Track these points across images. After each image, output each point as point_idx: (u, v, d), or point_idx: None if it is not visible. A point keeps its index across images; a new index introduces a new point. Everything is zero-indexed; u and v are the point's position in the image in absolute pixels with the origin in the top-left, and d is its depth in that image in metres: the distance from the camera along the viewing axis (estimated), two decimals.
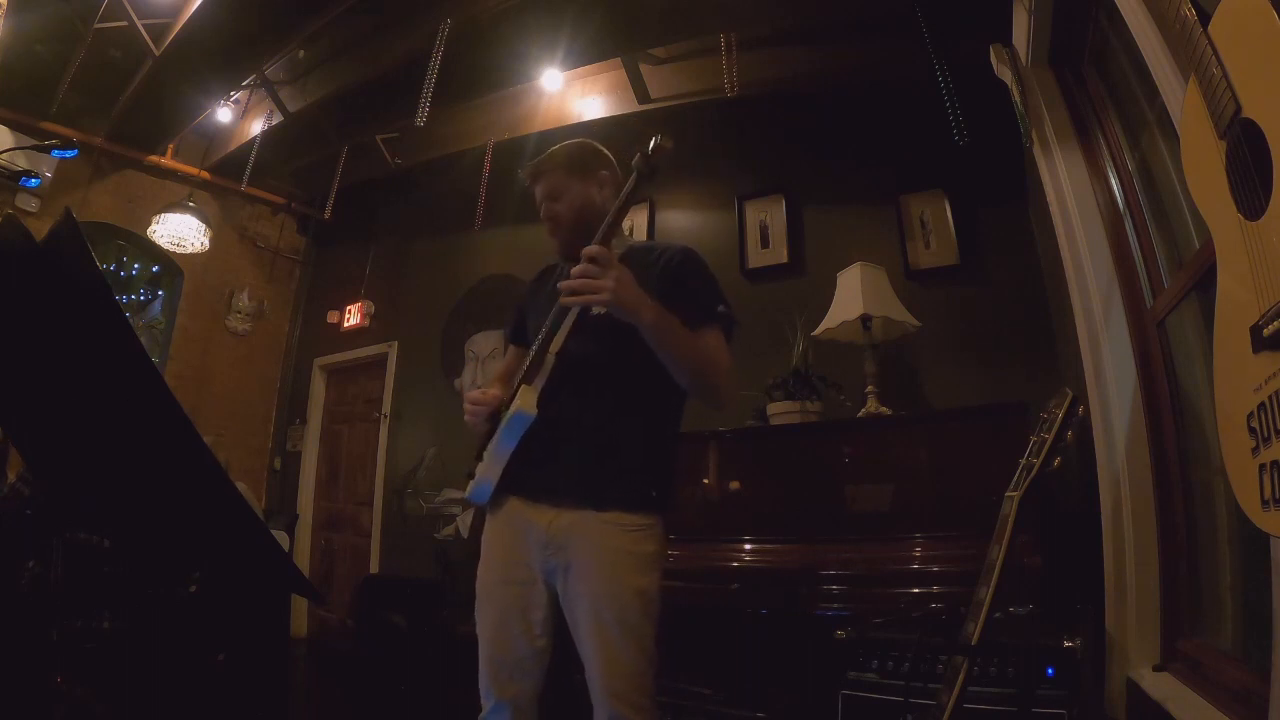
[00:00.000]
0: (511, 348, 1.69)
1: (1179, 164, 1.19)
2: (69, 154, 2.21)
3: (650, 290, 1.42)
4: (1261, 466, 0.71)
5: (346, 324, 5.24)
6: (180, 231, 4.56)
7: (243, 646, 2.95)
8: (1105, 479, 1.96)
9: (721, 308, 1.46)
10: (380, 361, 4.99)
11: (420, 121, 3.26)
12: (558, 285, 1.33)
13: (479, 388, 1.57)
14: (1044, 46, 2.25)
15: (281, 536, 4.14)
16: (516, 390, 1.41)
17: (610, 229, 1.34)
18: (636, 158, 1.28)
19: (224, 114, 4.68)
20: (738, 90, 3.33)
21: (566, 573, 1.36)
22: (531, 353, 1.42)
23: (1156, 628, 1.72)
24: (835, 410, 2.82)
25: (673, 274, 1.46)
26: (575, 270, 1.28)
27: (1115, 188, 2.05)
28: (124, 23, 3.65)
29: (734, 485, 2.61)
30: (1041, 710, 1.36)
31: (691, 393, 1.46)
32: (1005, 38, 2.45)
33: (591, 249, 1.27)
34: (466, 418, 1.50)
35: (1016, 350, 2.78)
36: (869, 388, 2.63)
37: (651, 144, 1.26)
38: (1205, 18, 0.81)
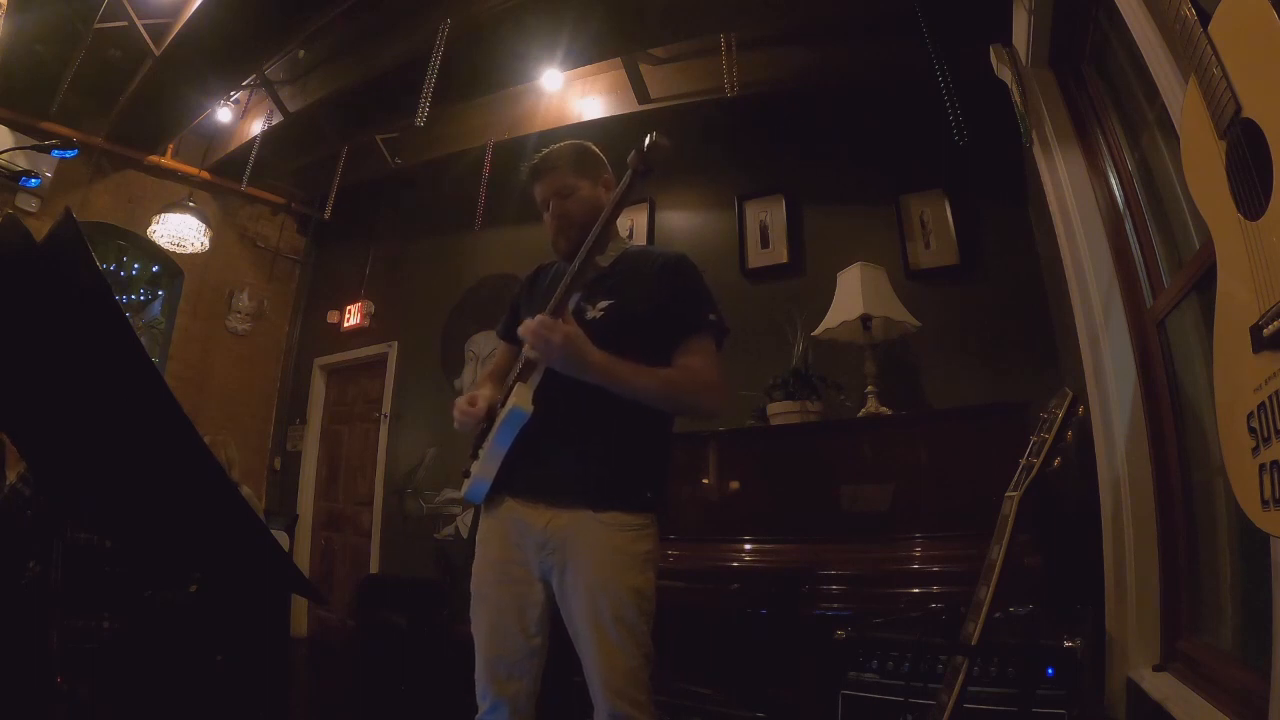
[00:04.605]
0: (502, 345, 1.69)
1: (1179, 164, 1.19)
2: (69, 154, 2.21)
3: (644, 295, 1.44)
4: (1261, 466, 0.71)
5: (346, 324, 5.24)
6: (180, 231, 4.56)
7: (243, 646, 2.95)
8: (1105, 479, 1.96)
9: (712, 316, 1.47)
10: (380, 361, 4.99)
11: (420, 121, 3.26)
12: (527, 322, 1.35)
13: (475, 386, 1.57)
14: (1044, 47, 2.25)
15: (281, 536, 4.14)
16: (511, 388, 1.41)
17: (607, 225, 1.34)
18: (632, 155, 1.28)
19: (224, 114, 4.68)
20: (738, 90, 3.33)
21: (563, 572, 1.36)
22: (525, 351, 1.42)
23: (1156, 628, 1.72)
24: (835, 410, 2.82)
25: (666, 281, 1.47)
26: (530, 329, 1.33)
27: (1115, 188, 2.05)
28: (124, 23, 3.65)
29: (734, 485, 2.61)
30: (1041, 710, 1.36)
31: (675, 415, 1.50)
32: (1005, 38, 2.45)
33: (540, 318, 1.32)
34: (456, 424, 1.50)
35: (1016, 350, 2.78)
36: (869, 388, 2.63)
37: (647, 142, 1.26)
38: (1205, 18, 0.81)
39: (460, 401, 1.51)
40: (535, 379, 1.40)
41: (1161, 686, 1.56)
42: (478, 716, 1.37)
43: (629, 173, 1.29)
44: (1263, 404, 0.71)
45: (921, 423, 2.56)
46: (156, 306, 5.54)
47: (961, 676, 1.23)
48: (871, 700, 1.58)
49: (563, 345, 1.30)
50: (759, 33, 3.39)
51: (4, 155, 3.20)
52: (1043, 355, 2.65)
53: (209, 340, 5.14)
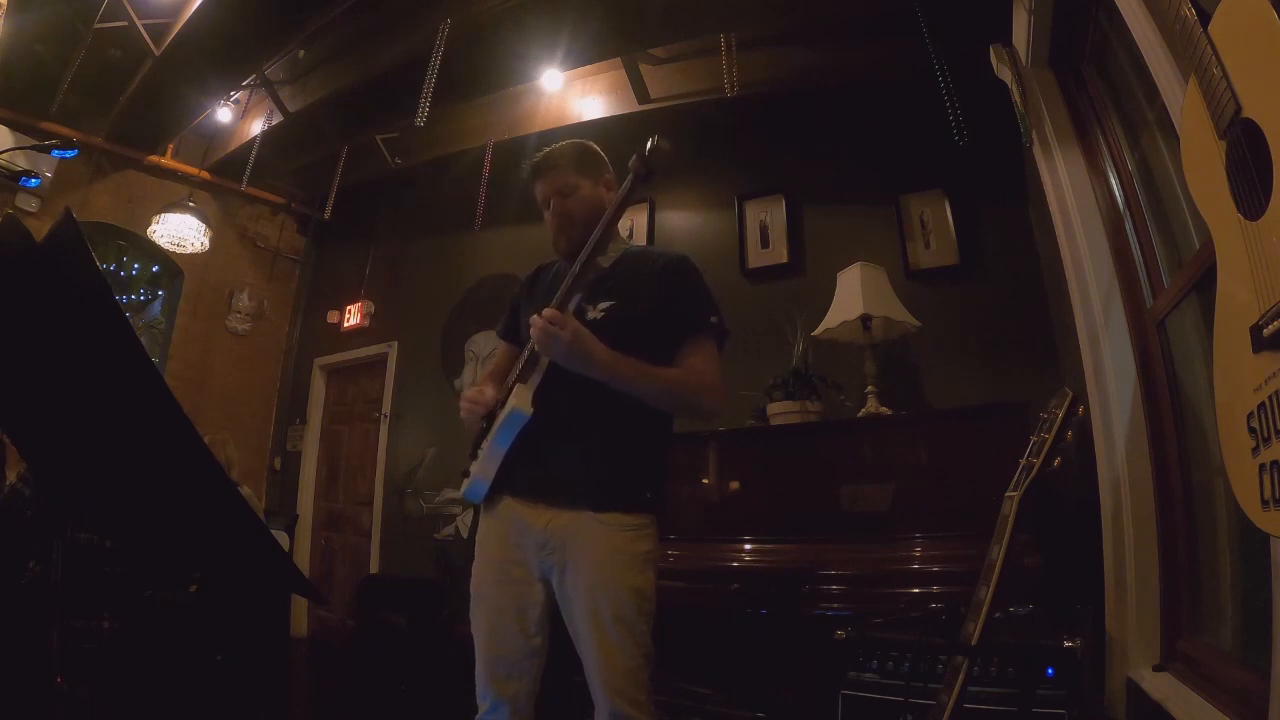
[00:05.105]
0: (502, 344, 1.69)
1: (1179, 164, 1.19)
2: (69, 154, 2.21)
3: (645, 296, 1.44)
4: (1261, 466, 0.71)
5: (346, 324, 5.24)
6: (180, 231, 4.56)
7: (243, 646, 2.95)
8: (1105, 479, 1.96)
9: (713, 319, 1.47)
10: (380, 361, 4.99)
11: (420, 121, 3.26)
12: (534, 318, 1.35)
13: (475, 386, 1.58)
14: (1044, 47, 2.25)
15: (281, 536, 4.14)
16: (511, 389, 1.41)
17: (608, 228, 1.34)
18: (633, 159, 1.28)
19: (224, 114, 4.68)
20: (738, 90, 3.33)
21: (563, 572, 1.36)
22: (526, 352, 1.42)
23: (1156, 628, 1.72)
24: (835, 410, 2.82)
25: (667, 283, 1.47)
26: (535, 324, 1.32)
27: (1115, 188, 2.05)
28: (124, 23, 3.65)
29: (734, 485, 2.61)
30: (1041, 710, 1.36)
31: (675, 416, 1.49)
32: (1005, 38, 2.45)
33: (549, 313, 1.31)
34: (462, 414, 1.50)
35: (1016, 350, 2.78)
36: (869, 388, 2.63)
37: (649, 145, 1.26)
38: (1205, 18, 0.81)
39: (469, 392, 1.51)
40: (535, 380, 1.40)
41: (1161, 686, 1.56)
42: (478, 716, 1.37)
43: (630, 176, 1.29)
44: (1263, 404, 0.71)
45: (921, 423, 2.56)
46: (156, 306, 5.54)
47: (961, 676, 1.23)
48: (871, 700, 1.58)
49: (570, 340, 1.30)
50: (759, 33, 3.39)
51: (4, 155, 3.20)
52: (1043, 355, 2.65)
53: (209, 340, 5.14)
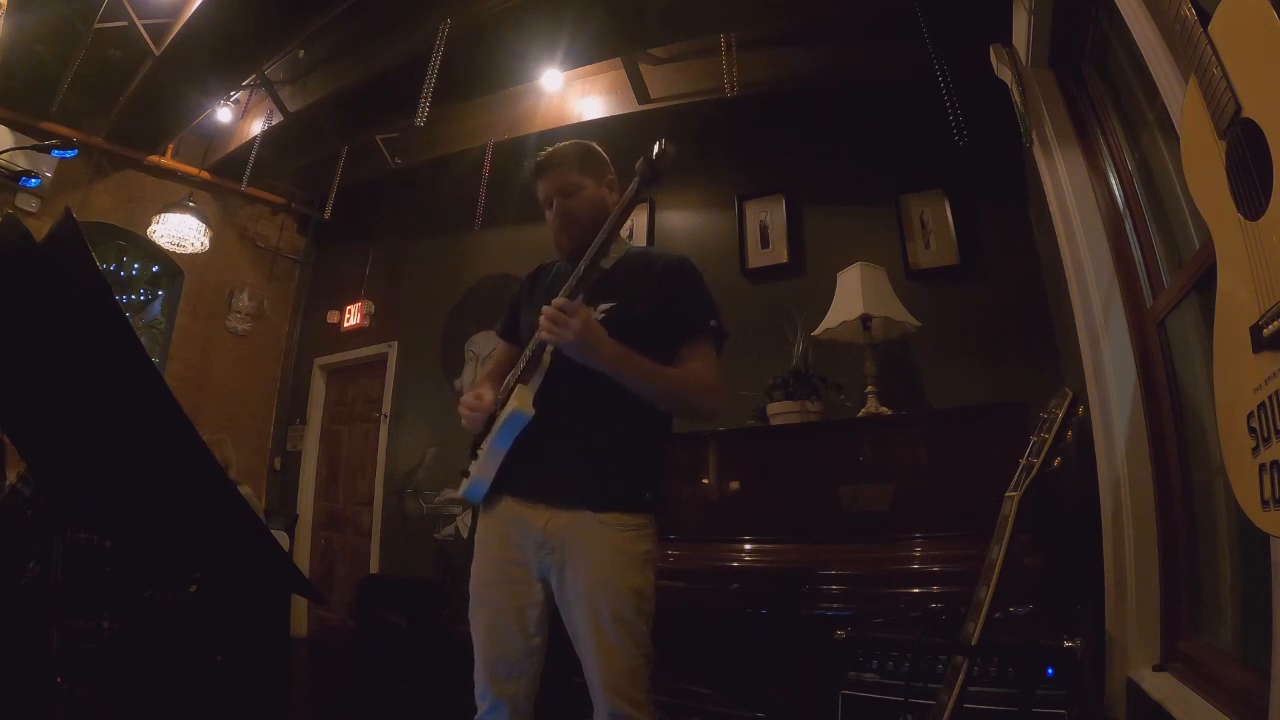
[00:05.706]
0: (501, 344, 1.69)
1: (1179, 164, 1.19)
2: (69, 154, 2.21)
3: (646, 296, 1.44)
4: (1261, 466, 0.71)
5: (346, 324, 5.24)
6: (180, 231, 4.56)
7: (243, 646, 2.95)
8: (1105, 479, 1.96)
9: (713, 322, 1.47)
10: (380, 361, 5.00)
11: (420, 121, 3.26)
12: (542, 309, 1.35)
13: (474, 386, 1.58)
14: (1044, 47, 2.25)
15: (281, 536, 4.14)
16: (512, 389, 1.41)
17: (612, 231, 1.34)
18: (640, 162, 1.28)
19: (224, 114, 4.68)
20: (738, 90, 3.33)
21: (562, 572, 1.36)
22: (527, 352, 1.42)
23: (1156, 628, 1.72)
24: (835, 410, 2.82)
25: (667, 284, 1.47)
26: (545, 313, 1.32)
27: (1115, 188, 2.05)
28: (124, 23, 3.65)
29: (734, 485, 2.61)
30: (1041, 710, 1.36)
31: (674, 416, 1.49)
32: (1005, 38, 2.45)
33: (559, 301, 1.31)
34: (464, 422, 1.50)
35: (1016, 350, 2.78)
36: (869, 388, 2.63)
37: (656, 149, 1.26)
38: (1205, 18, 0.81)
39: (467, 398, 1.51)
40: (536, 381, 1.39)
41: (1161, 686, 1.56)
42: (477, 716, 1.37)
43: (636, 179, 1.29)
44: (1263, 404, 0.71)
45: (921, 423, 2.56)
46: (156, 306, 5.54)
47: (961, 676, 1.23)
48: (871, 700, 1.58)
49: (580, 330, 1.30)
50: (759, 33, 3.39)
51: (4, 155, 3.20)
52: (1043, 355, 2.65)
53: (209, 340, 5.14)
